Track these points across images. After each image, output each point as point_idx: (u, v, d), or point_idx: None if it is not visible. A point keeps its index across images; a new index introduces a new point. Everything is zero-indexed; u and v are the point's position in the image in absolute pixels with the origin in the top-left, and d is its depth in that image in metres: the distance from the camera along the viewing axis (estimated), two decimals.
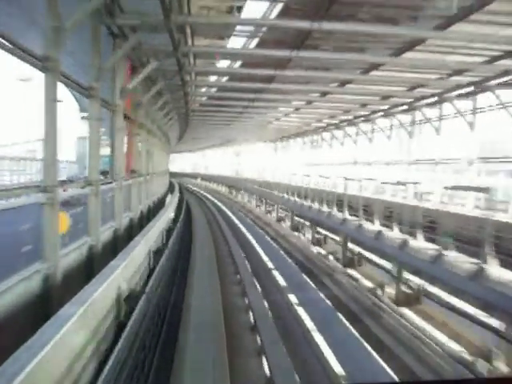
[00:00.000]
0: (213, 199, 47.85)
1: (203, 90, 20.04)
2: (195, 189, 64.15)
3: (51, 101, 6.39)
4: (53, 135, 6.30)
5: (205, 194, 55.55)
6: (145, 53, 11.97)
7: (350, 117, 25.58)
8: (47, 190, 5.88)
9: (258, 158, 53.91)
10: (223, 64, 15.25)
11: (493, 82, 14.97)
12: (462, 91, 16.39)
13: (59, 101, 6.30)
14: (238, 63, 15.07)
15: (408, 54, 12.79)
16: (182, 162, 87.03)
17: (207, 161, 79.49)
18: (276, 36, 12.03)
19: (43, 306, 5.39)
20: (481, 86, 15.34)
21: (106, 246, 8.90)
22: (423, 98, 18.50)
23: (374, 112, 23.33)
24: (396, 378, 8.29)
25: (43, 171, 6.36)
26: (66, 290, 5.70)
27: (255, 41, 12.59)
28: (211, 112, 25.07)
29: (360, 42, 12.28)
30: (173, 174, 66.68)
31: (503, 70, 13.74)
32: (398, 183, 18.01)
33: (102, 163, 10.48)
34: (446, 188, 13.78)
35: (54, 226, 5.98)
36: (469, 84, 15.50)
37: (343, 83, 16.76)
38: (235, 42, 12.80)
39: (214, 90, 19.89)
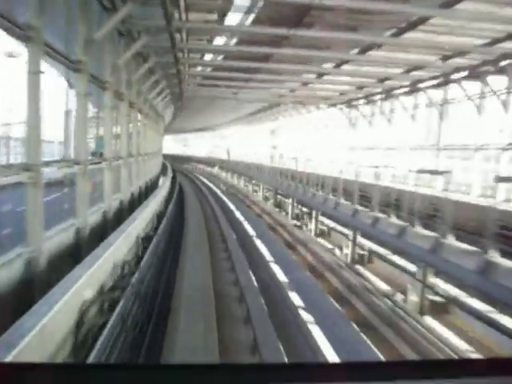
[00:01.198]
0: None
1: (199, 69, 19.43)
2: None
3: (34, 74, 5.98)
4: (36, 111, 5.89)
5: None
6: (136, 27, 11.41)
7: None
8: (30, 169, 5.52)
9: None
10: (218, 41, 14.67)
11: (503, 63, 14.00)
12: None
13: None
14: (234, 40, 14.50)
15: None
16: (201, 144, 68.64)
17: (229, 143, 56.16)
18: (273, 13, 11.49)
19: (25, 293, 5.08)
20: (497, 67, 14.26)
21: (94, 229, 8.56)
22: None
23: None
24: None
25: (26, 149, 5.98)
26: (51, 275, 5.39)
27: (251, 17, 12.05)
28: (211, 86, 21.58)
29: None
30: (173, 158, 58.61)
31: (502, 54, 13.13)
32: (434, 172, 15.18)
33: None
34: (496, 181, 10.59)
35: (37, 207, 5.64)
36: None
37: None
38: (231, 19, 12.24)
39: (209, 69, 19.31)
